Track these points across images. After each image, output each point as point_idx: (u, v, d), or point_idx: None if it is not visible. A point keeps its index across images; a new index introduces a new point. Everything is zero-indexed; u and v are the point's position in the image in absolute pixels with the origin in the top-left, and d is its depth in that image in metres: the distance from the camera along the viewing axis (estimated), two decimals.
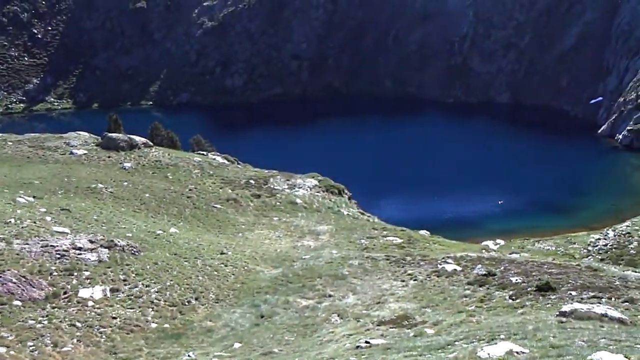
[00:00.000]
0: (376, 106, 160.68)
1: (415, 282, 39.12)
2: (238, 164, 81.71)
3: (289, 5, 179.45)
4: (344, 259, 45.00)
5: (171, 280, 37.01)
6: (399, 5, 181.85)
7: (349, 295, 37.68)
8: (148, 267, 37.95)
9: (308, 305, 36.32)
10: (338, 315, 34.26)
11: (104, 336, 30.36)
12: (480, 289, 35.82)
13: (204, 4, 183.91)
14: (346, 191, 73.91)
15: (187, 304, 35.24)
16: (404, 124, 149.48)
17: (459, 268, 40.59)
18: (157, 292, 35.39)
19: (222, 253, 44.59)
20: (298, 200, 66.08)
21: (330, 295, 37.68)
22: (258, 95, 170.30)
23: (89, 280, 34.66)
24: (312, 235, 54.61)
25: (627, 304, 31.02)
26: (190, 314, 34.36)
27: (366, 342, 26.21)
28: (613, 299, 31.84)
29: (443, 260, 43.19)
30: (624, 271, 41.11)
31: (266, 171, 75.82)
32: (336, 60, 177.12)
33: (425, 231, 67.02)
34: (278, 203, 64.58)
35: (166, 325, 32.54)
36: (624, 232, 79.71)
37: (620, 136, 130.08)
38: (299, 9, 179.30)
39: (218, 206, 60.77)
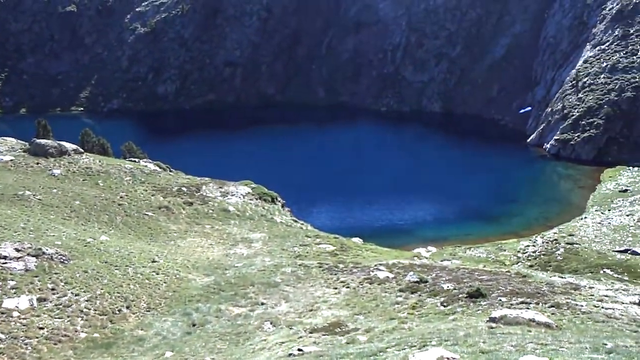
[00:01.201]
0: (310, 114, 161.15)
1: (348, 289, 39.29)
2: (170, 171, 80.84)
3: (222, 12, 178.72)
4: (277, 267, 44.95)
5: (101, 289, 36.42)
6: (332, 14, 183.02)
7: (281, 303, 37.65)
8: (78, 275, 37.28)
9: (240, 313, 36.16)
10: (271, 323, 34.20)
11: (29, 347, 29.65)
12: (412, 295, 36.18)
13: (137, 9, 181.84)
14: (279, 199, 73.85)
15: (117, 312, 34.72)
16: (337, 132, 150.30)
17: (391, 275, 40.91)
18: (86, 301, 34.77)
19: (153, 261, 44.08)
20: (231, 208, 65.75)
21: (262, 303, 37.59)
22: (191, 102, 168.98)
23: (14, 290, 33.84)
24: (245, 243, 54.39)
25: (553, 308, 31.75)
26: (121, 323, 33.87)
27: (299, 349, 26.21)
28: (540, 304, 32.54)
29: (375, 267, 43.47)
30: (551, 277, 42.01)
31: (199, 178, 75.20)
32: (270, 67, 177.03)
33: (358, 238, 67.35)
34: (210, 211, 64.13)
35: (96, 335, 32.00)
36: (551, 239, 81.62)
37: (548, 145, 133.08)
38: (232, 16, 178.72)
39: (150, 214, 60.04)
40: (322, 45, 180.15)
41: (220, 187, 71.08)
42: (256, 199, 70.59)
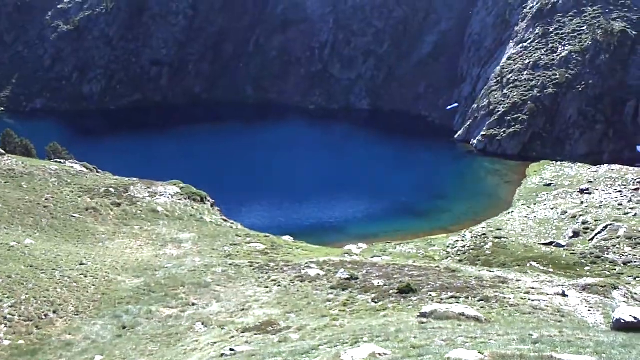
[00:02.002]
0: (238, 112, 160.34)
1: (279, 287, 39.29)
2: (97, 172, 79.53)
3: (148, 10, 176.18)
4: (207, 267, 44.66)
5: (26, 294, 35.58)
6: (259, 11, 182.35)
7: (212, 303, 37.43)
8: (1, 280, 36.36)
9: (171, 314, 35.83)
10: (202, 324, 33.97)
11: None
12: (343, 292, 36.39)
13: (58, 6, 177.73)
14: (208, 198, 73.36)
15: (44, 317, 33.99)
16: (266, 130, 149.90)
17: (322, 273, 41.07)
18: (10, 306, 33.93)
19: (81, 264, 43.30)
20: (159, 208, 65.03)
21: (193, 304, 37.31)
22: (117, 102, 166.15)
23: None
24: (175, 244, 53.88)
25: (482, 302, 32.36)
26: (48, 328, 33.16)
27: (231, 349, 26.10)
28: (470, 298, 33.13)
29: (306, 265, 43.59)
30: (479, 271, 42.77)
31: (126, 179, 74.14)
32: (197, 66, 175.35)
33: (288, 237, 67.47)
34: (139, 211, 63.31)
35: (21, 342, 31.25)
36: (480, 234, 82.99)
37: (475, 141, 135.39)
38: (158, 15, 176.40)
39: (77, 216, 58.94)
40: (250, 43, 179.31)
41: (148, 188, 70.22)
42: (185, 199, 69.99)
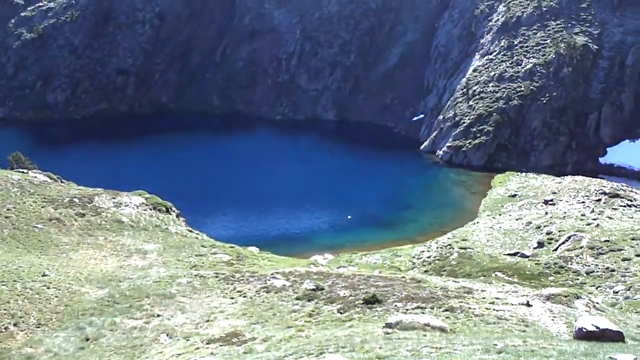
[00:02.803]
0: (205, 122, 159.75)
1: (245, 298, 39.15)
2: (61, 182, 78.68)
3: (113, 19, 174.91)
4: (172, 278, 44.37)
5: None
6: (226, 22, 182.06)
7: (177, 314, 37.18)
8: None
9: (136, 325, 35.51)
10: (167, 335, 33.72)
11: None
12: (309, 303, 36.37)
13: (22, 14, 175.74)
14: (174, 209, 72.94)
15: (4, 330, 33.49)
16: (232, 140, 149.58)
17: (287, 283, 41.01)
18: None
19: (44, 275, 42.76)
20: (124, 219, 64.52)
21: (158, 315, 37.03)
22: (82, 111, 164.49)
23: None
24: (140, 254, 53.44)
25: (447, 312, 32.54)
26: (8, 341, 32.66)
27: None
28: (435, 308, 33.27)
29: (272, 276, 43.50)
30: (445, 281, 42.98)
31: (91, 189, 73.46)
32: (163, 75, 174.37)
33: (254, 247, 67.28)
34: (104, 222, 62.74)
35: None
36: (445, 244, 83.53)
37: (441, 152, 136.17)
38: (124, 24, 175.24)
39: (40, 226, 58.24)
40: (217, 53, 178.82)
41: (113, 198, 69.63)
42: (150, 209, 69.51)
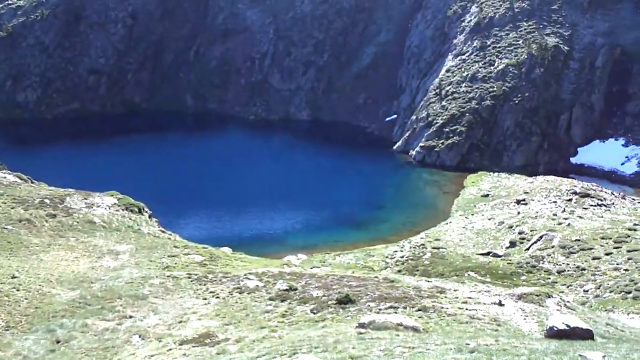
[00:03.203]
0: (178, 122, 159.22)
1: (218, 299, 39.01)
2: (32, 182, 77.91)
3: (85, 18, 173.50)
4: (145, 279, 44.10)
5: None
6: (200, 21, 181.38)
7: (150, 315, 36.95)
8: None
9: (108, 327, 35.23)
10: (139, 336, 33.50)
11: None
12: (282, 304, 36.31)
13: None
14: (146, 209, 72.51)
15: None
16: (205, 140, 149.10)
17: (260, 284, 40.92)
18: None
19: (13, 277, 42.31)
20: (96, 220, 64.02)
21: (130, 316, 36.77)
22: (54, 111, 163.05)
23: None
24: (112, 255, 53.05)
25: (420, 312, 32.62)
26: None
27: None
28: (408, 308, 33.35)
29: (245, 276, 43.38)
30: (418, 281, 43.09)
31: (62, 190, 72.78)
32: (136, 75, 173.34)
33: (227, 248, 67.10)
34: (75, 223, 62.20)
35: None
36: (418, 244, 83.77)
37: (414, 152, 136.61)
38: (96, 23, 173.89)
39: (9, 227, 57.60)
40: (190, 52, 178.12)
41: (85, 199, 69.07)
42: (123, 210, 69.04)
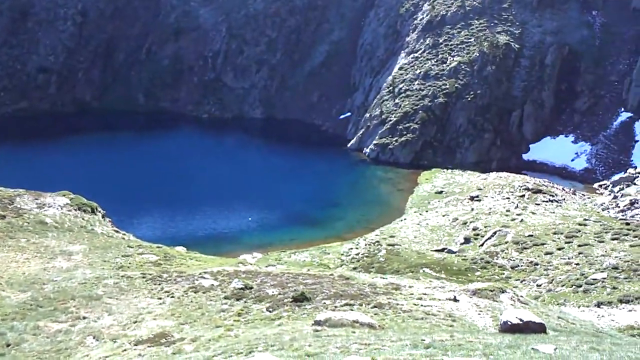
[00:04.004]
0: (130, 121, 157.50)
1: (173, 299, 38.72)
2: None
3: (33, 15, 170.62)
4: (99, 279, 43.57)
5: None
6: (151, 19, 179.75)
7: (104, 315, 36.50)
8: None
9: (61, 329, 34.71)
10: (93, 337, 33.07)
11: None
12: (238, 302, 36.16)
13: None
14: (99, 209, 71.59)
15: None
16: (158, 139, 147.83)
17: (216, 283, 40.70)
18: None
19: None
20: (48, 220, 63.04)
21: (84, 317, 36.28)
22: (1, 110, 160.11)
23: None
24: (64, 256, 52.27)
25: (376, 309, 32.73)
26: None
27: None
28: (364, 305, 33.45)
29: (200, 275, 43.11)
30: (373, 278, 43.25)
31: (11, 190, 71.43)
32: (86, 73, 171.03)
33: (182, 247, 66.69)
34: (26, 223, 61.14)
35: None
36: (373, 241, 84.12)
37: (368, 150, 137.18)
38: (44, 20, 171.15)
39: None
40: (142, 51, 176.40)
41: (36, 199, 67.94)
42: (75, 210, 68.08)
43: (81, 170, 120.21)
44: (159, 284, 42.12)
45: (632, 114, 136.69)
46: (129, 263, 50.72)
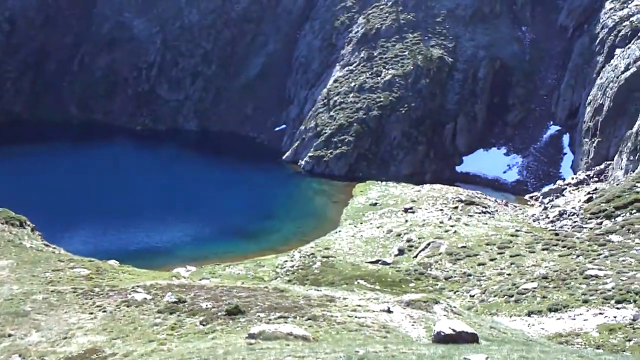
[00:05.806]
0: (61, 133, 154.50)
1: (105, 313, 37.98)
2: None
3: None
4: (27, 294, 42.48)
5: None
6: (84, 29, 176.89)
7: (32, 332, 35.55)
8: None
9: None
10: (19, 356, 32.19)
11: None
12: (171, 316, 35.68)
13: None
14: (28, 222, 69.97)
15: None
16: (91, 151, 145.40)
17: (149, 297, 40.10)
18: None
19: None
20: None
21: (10, 335, 35.26)
22: None
23: None
24: None
25: (310, 321, 32.66)
26: None
27: None
28: (298, 317, 33.35)
29: (133, 289, 42.42)
30: (308, 290, 43.14)
31: None
32: (16, 84, 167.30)
33: (114, 261, 65.55)
34: None
35: None
36: (308, 253, 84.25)
37: (303, 162, 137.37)
38: None
39: None
40: (74, 61, 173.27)
41: None
42: (2, 224, 66.35)
43: (10, 182, 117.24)
44: (91, 299, 41.28)
45: (560, 127, 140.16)
46: (60, 277, 49.58)
